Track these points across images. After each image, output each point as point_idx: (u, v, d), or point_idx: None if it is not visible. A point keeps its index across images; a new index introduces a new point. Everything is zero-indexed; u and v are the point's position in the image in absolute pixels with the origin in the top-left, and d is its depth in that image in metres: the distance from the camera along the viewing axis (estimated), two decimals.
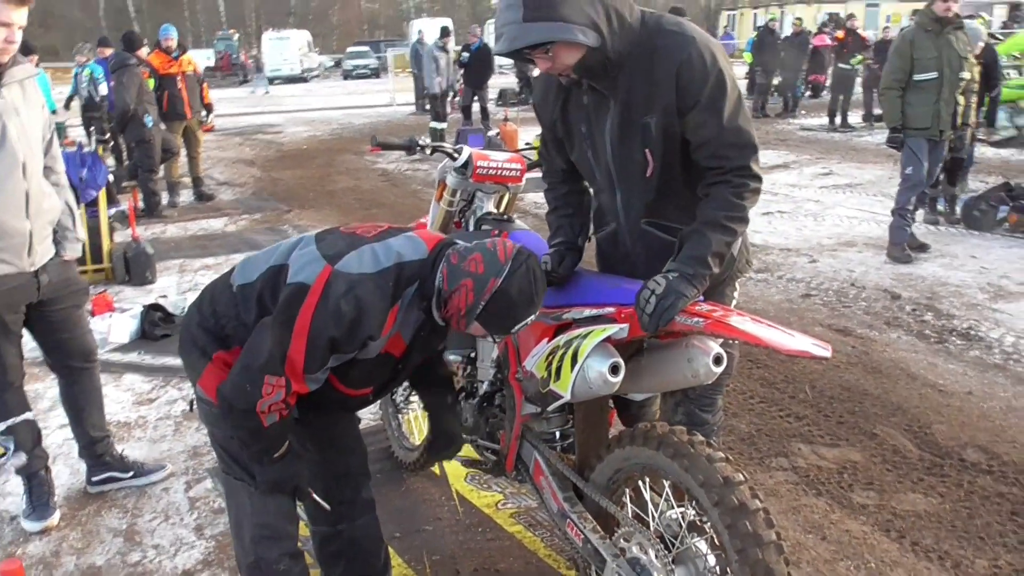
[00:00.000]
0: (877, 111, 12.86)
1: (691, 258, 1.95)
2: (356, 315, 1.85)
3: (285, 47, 35.79)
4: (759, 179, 2.01)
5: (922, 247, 6.36)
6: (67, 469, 3.41)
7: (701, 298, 1.98)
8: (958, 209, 7.28)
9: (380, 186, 10.57)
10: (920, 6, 6.49)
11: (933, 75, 5.75)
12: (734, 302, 2.32)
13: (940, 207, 7.41)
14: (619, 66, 1.96)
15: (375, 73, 35.32)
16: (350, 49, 39.21)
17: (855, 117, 14.42)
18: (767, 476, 3.23)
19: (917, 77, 5.80)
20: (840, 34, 15.10)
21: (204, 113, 9.73)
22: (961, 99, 5.90)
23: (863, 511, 2.98)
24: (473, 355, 2.75)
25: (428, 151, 2.92)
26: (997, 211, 6.90)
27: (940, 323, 4.89)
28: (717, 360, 1.93)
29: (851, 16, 16.82)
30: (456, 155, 2.84)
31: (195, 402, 2.08)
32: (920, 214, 6.95)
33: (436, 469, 3.32)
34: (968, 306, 5.16)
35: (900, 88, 5.88)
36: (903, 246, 6.16)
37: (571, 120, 2.16)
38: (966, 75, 5.84)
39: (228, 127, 17.70)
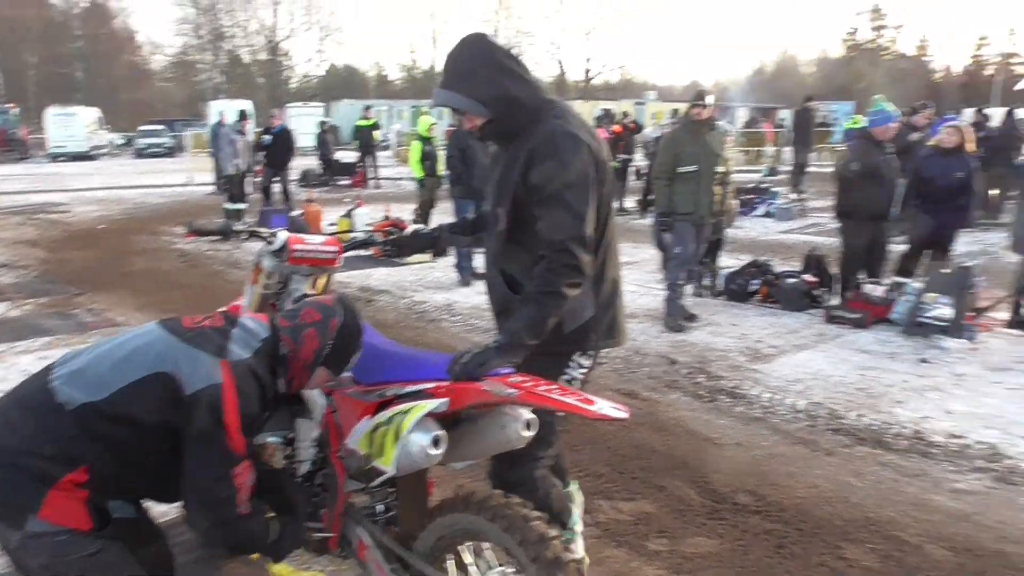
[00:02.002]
0: (651, 197, 14.17)
1: (507, 329, 2.23)
2: (260, 392, 2.04)
3: (71, 123, 33.38)
4: (576, 260, 2.27)
5: (692, 317, 7.12)
6: None
7: (512, 368, 2.21)
8: (719, 283, 8.22)
9: (179, 267, 10.09)
10: (679, 106, 7.42)
11: (693, 168, 6.60)
12: (580, 370, 2.56)
13: (705, 282, 8.33)
14: (509, 136, 2.44)
15: (169, 152, 34.00)
16: (142, 127, 37.24)
17: (630, 202, 15.79)
18: None
19: (681, 169, 6.63)
20: (616, 128, 16.59)
21: None
22: (718, 189, 6.80)
23: (657, 557, 3.30)
24: (291, 436, 2.77)
25: (244, 236, 2.96)
26: (750, 284, 7.89)
27: (711, 384, 5.50)
28: (528, 426, 2.15)
29: (626, 114, 18.58)
30: (271, 239, 2.90)
31: (22, 544, 1.90)
32: (689, 288, 7.79)
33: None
34: (732, 368, 5.85)
35: (668, 178, 6.69)
36: (677, 317, 6.87)
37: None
38: (720, 168, 6.77)
39: (6, 205, 16.13)
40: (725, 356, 6.14)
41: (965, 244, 10.15)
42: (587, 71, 51.25)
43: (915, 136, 10.73)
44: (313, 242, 2.93)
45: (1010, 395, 5.16)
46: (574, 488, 2.95)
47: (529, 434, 2.16)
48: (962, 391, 5.26)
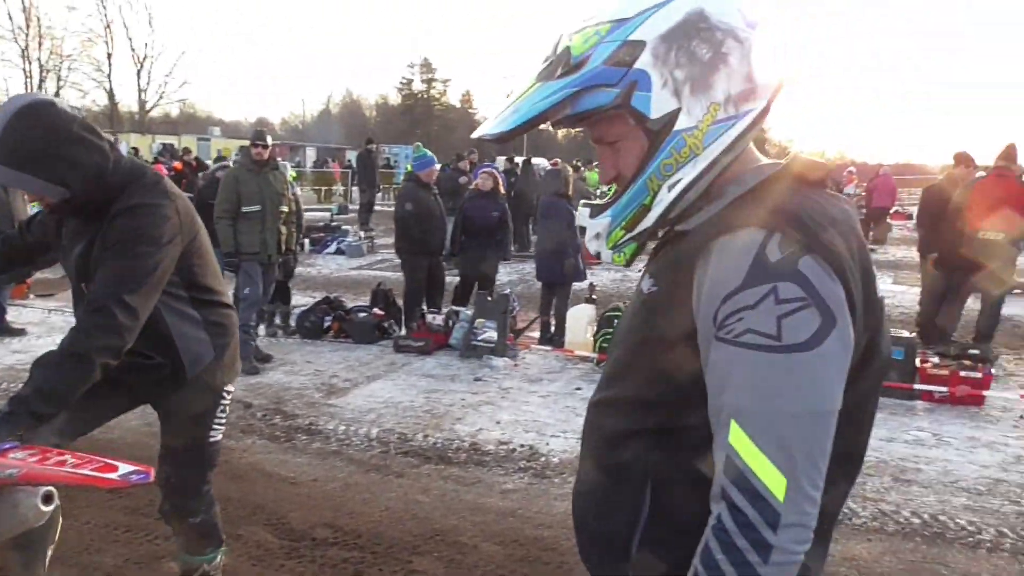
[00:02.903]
0: None
1: (15, 396, 1.97)
2: None
3: None
4: (111, 321, 2.13)
5: (267, 358, 7.06)
6: None
7: (14, 443, 1.93)
8: (292, 322, 8.28)
9: None
10: (244, 143, 7.36)
11: (257, 207, 6.59)
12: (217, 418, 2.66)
13: (277, 321, 8.32)
14: (90, 211, 2.27)
15: None
16: None
17: None
18: None
19: (245, 209, 6.57)
20: (177, 164, 15.73)
21: None
22: (283, 228, 6.87)
23: None
24: None
25: None
26: (323, 321, 8.10)
27: (287, 423, 5.52)
28: (47, 499, 1.96)
29: (187, 150, 17.69)
30: None
31: None
32: (261, 329, 7.71)
33: None
34: (309, 405, 5.95)
35: (231, 218, 6.57)
36: (250, 359, 6.74)
37: (63, 233, 2.47)
38: (284, 208, 6.85)
39: None
40: (301, 394, 6.21)
41: (506, 274, 11.71)
42: (143, 102, 47.58)
43: (463, 180, 12.09)
44: None
45: (543, 402, 6.08)
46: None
47: (50, 508, 1.97)
48: (507, 402, 6.05)
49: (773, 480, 1.01)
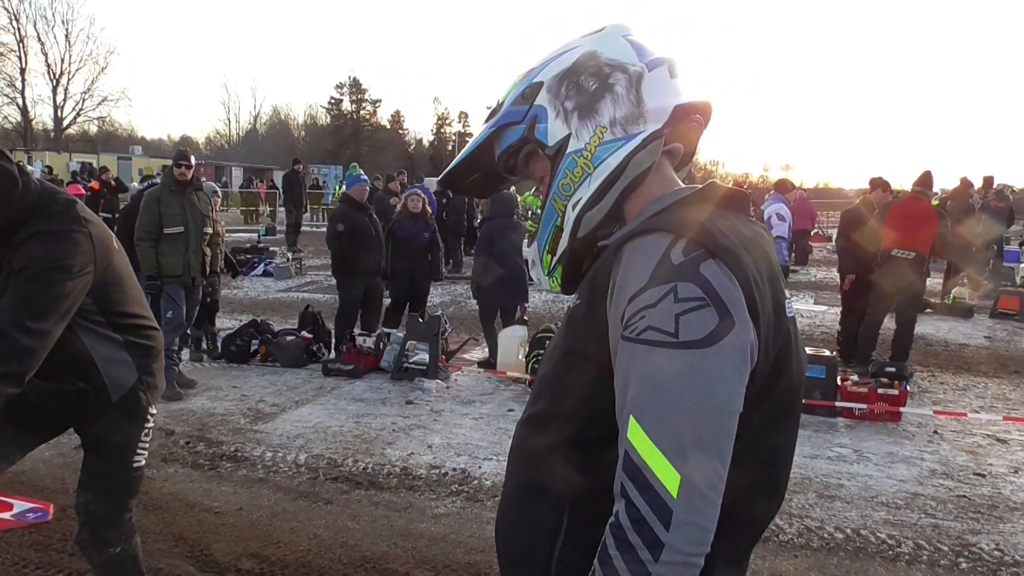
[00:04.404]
0: None
1: None
2: None
3: None
4: (11, 347, 2.08)
5: (190, 383, 6.84)
6: None
7: None
8: (217, 345, 8.05)
9: None
10: (167, 162, 7.14)
11: (180, 228, 6.40)
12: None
13: (203, 345, 8.08)
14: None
15: None
16: None
17: None
18: None
19: (167, 230, 6.37)
20: (94, 184, 15.22)
21: None
22: (208, 250, 6.69)
23: None
24: None
25: None
26: (250, 345, 7.89)
27: (211, 451, 5.34)
28: None
29: (105, 169, 17.12)
30: None
31: None
32: (185, 353, 7.46)
33: None
34: (234, 431, 5.77)
35: (153, 240, 6.36)
36: (173, 384, 6.51)
37: None
38: (208, 230, 6.67)
39: None
40: (226, 420, 6.03)
41: (438, 296, 11.66)
42: (59, 119, 45.91)
43: (393, 200, 12.02)
44: None
45: (475, 424, 6.04)
46: None
47: None
48: (439, 425, 5.99)
49: (667, 476, 1.01)
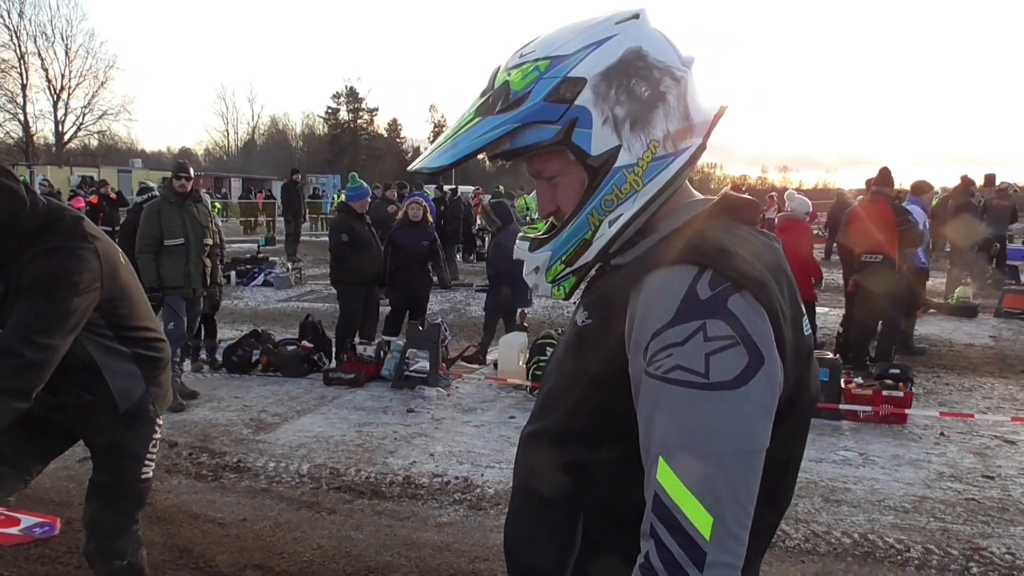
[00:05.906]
0: None
1: None
2: None
3: None
4: (19, 361, 2.10)
5: (192, 394, 6.81)
6: None
7: None
8: (219, 356, 8.03)
9: None
10: (167, 174, 7.13)
11: (180, 240, 6.39)
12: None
13: (203, 356, 8.06)
14: (4, 257, 2.19)
15: None
16: None
17: None
18: None
19: (168, 242, 6.36)
20: (92, 199, 15.22)
21: None
22: (208, 261, 6.67)
23: None
24: None
25: None
26: (251, 355, 7.87)
27: (214, 462, 5.31)
28: None
29: (104, 182, 17.13)
30: None
31: None
32: (187, 364, 7.44)
33: None
34: (237, 441, 5.74)
35: (154, 252, 6.35)
36: (175, 395, 6.49)
37: None
38: (209, 241, 6.66)
39: None
40: (229, 430, 6.00)
41: (437, 303, 11.63)
42: (60, 134, 45.98)
43: (392, 208, 12.02)
44: None
45: (477, 432, 6.01)
46: None
47: None
48: (441, 433, 5.96)
49: (700, 519, 1.00)
